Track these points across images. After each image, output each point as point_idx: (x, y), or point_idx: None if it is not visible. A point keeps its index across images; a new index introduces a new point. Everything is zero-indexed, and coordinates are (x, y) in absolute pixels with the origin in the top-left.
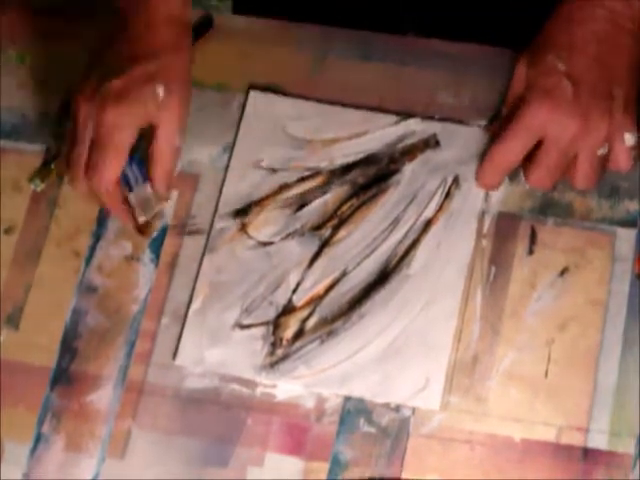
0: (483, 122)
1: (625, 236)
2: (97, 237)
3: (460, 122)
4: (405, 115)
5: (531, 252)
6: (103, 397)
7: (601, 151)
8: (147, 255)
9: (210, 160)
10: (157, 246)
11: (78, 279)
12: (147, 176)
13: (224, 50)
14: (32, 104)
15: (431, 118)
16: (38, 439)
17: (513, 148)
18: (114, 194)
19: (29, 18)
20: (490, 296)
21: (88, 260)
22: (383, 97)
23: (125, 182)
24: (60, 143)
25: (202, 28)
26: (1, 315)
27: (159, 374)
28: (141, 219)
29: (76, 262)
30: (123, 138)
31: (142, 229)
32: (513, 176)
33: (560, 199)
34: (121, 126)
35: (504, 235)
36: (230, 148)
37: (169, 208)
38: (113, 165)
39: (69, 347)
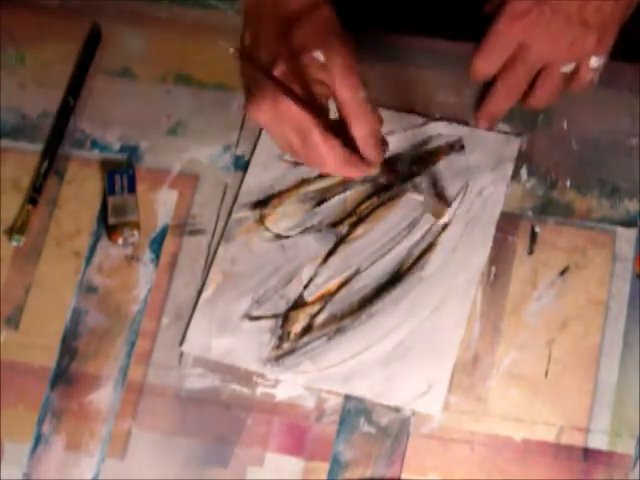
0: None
1: (625, 236)
2: (97, 237)
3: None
4: (432, 117)
5: (531, 252)
6: (103, 397)
7: (565, 69)
8: (147, 255)
9: (210, 160)
10: (157, 246)
11: (78, 279)
12: (132, 189)
13: (224, 50)
14: (32, 104)
15: (458, 122)
16: (38, 439)
17: (489, 56)
18: (347, 163)
19: (29, 17)
20: (491, 296)
21: (88, 260)
22: (383, 96)
23: (110, 187)
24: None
25: (92, 40)
26: (1, 315)
27: (159, 374)
28: (111, 221)
29: (76, 262)
30: (314, 121)
31: (111, 232)
32: (514, 175)
33: (560, 199)
34: (304, 112)
35: (504, 235)
36: (231, 147)
37: (169, 208)
38: (330, 149)
39: (69, 347)
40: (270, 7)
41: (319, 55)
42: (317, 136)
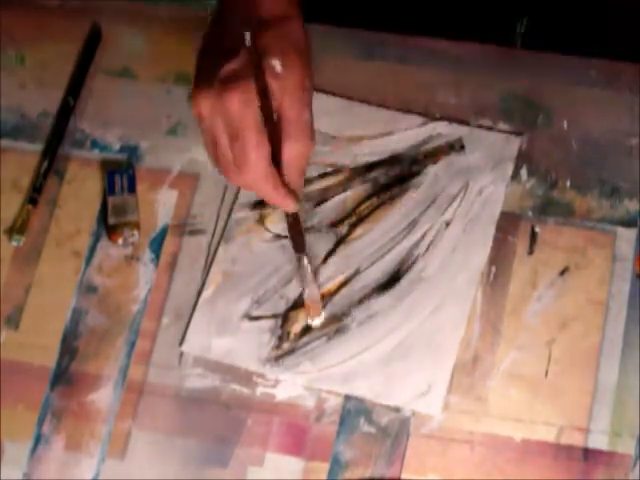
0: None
1: (625, 236)
2: (97, 237)
3: (482, 127)
4: (432, 117)
5: (531, 252)
6: (103, 397)
7: None
8: (147, 255)
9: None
10: (157, 246)
11: (78, 279)
12: (132, 189)
13: None
14: (32, 104)
15: (458, 122)
16: (38, 439)
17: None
18: (270, 179)
19: (29, 18)
20: (491, 296)
21: (88, 260)
22: (383, 96)
23: (110, 187)
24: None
25: (92, 40)
26: (1, 315)
27: (159, 374)
28: (111, 221)
29: (76, 262)
30: (255, 122)
31: (111, 232)
32: (514, 175)
33: (560, 199)
34: (249, 111)
35: (504, 235)
36: None
37: (169, 208)
38: (259, 155)
39: (69, 347)
40: (242, 12)
41: (277, 64)
42: (252, 137)
